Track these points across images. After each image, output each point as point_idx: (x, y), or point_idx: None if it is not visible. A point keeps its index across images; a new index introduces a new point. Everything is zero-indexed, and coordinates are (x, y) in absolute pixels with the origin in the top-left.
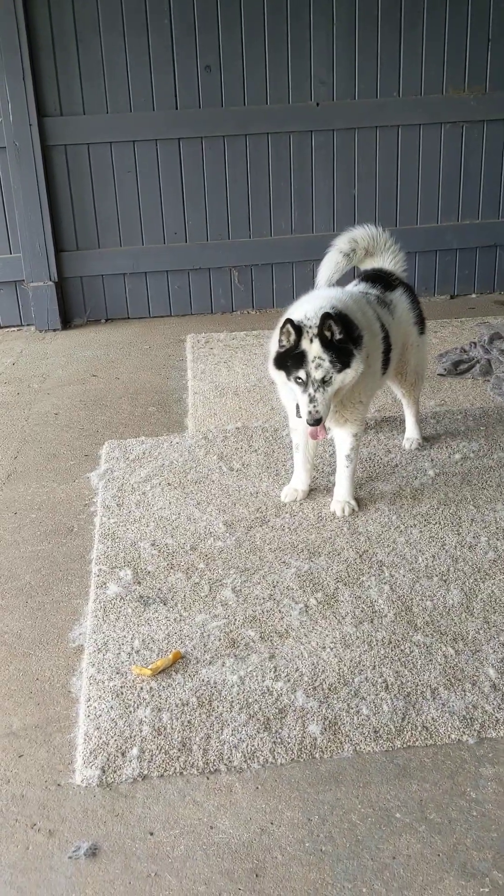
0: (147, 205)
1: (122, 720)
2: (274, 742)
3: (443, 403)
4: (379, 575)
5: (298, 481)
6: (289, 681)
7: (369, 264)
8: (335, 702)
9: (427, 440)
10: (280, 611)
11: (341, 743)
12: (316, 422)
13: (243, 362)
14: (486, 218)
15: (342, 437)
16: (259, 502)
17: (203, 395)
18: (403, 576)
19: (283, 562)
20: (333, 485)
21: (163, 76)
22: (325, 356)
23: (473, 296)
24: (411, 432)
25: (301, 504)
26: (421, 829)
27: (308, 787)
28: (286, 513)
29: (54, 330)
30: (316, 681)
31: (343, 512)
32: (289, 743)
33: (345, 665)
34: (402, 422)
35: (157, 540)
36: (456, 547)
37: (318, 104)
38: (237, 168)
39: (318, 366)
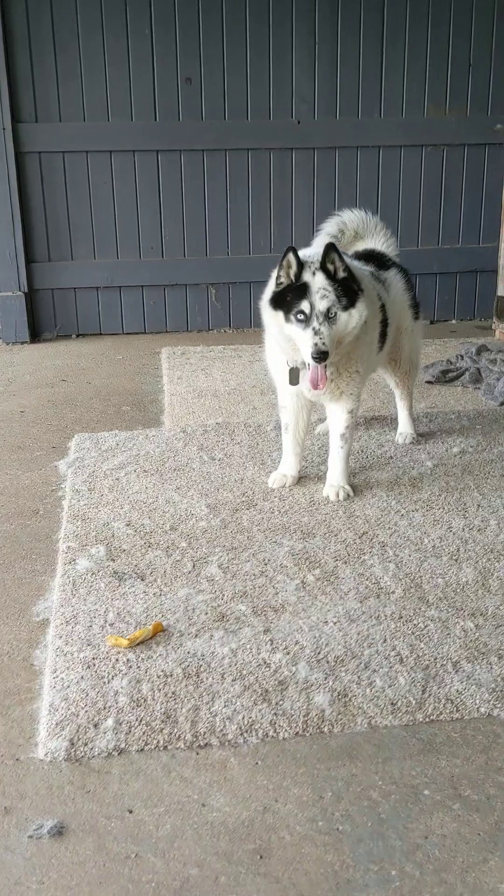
0: (123, 217)
1: (94, 691)
2: (275, 714)
3: (434, 406)
4: (382, 554)
5: (287, 466)
6: (288, 653)
7: (360, 246)
8: (343, 674)
9: (422, 436)
10: (274, 587)
11: (353, 716)
12: (321, 355)
13: (222, 370)
14: (466, 243)
15: (337, 413)
16: (245, 488)
17: (180, 396)
18: (409, 555)
19: (275, 541)
20: (325, 473)
21: (142, 86)
22: (329, 288)
23: (453, 321)
24: (405, 426)
25: (291, 490)
26: (455, 808)
27: (317, 762)
28: (275, 497)
29: (22, 343)
30: (320, 653)
31: (337, 497)
32: (292, 715)
33: (351, 639)
34: (392, 421)
35: (132, 521)
36: (464, 529)
37: (299, 122)
38: (216, 183)
39: (324, 296)
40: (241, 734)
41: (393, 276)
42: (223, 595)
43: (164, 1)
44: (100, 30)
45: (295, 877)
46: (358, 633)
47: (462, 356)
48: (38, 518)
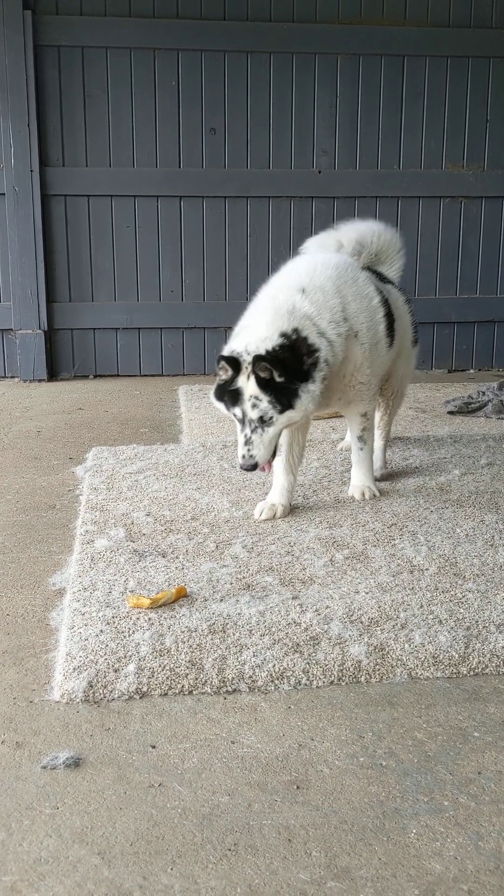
0: (145, 260)
1: (114, 642)
2: (307, 664)
3: (457, 431)
4: (413, 539)
5: (276, 493)
6: (319, 614)
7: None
8: (379, 632)
9: (447, 454)
10: (301, 563)
11: (392, 667)
12: (249, 468)
13: None
14: (484, 293)
15: (352, 418)
16: (267, 488)
17: (199, 421)
18: (442, 541)
19: (300, 529)
20: (348, 479)
21: (168, 135)
22: (262, 396)
23: (472, 371)
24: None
25: (314, 489)
26: None
27: (355, 707)
28: (299, 495)
29: (39, 380)
30: (352, 615)
31: (363, 496)
32: (326, 665)
33: (385, 604)
34: (417, 441)
35: (152, 511)
36: (498, 522)
37: (319, 172)
38: (237, 229)
39: (255, 405)
40: (272, 681)
41: (393, 290)
42: (248, 569)
43: (191, 55)
44: (128, 83)
45: (337, 805)
46: (392, 601)
47: (484, 392)
48: (54, 511)
